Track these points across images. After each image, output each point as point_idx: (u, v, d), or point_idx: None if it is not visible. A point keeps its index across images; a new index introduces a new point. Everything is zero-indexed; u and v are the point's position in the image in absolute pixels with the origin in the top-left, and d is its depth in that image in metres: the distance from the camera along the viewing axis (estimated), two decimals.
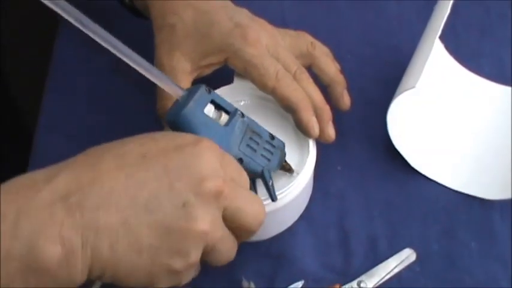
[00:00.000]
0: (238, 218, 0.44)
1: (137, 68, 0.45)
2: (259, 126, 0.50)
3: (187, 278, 0.44)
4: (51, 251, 0.38)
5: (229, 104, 0.49)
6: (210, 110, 0.47)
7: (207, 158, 0.42)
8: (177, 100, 0.47)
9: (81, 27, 0.43)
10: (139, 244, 0.40)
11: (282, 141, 0.51)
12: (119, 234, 0.39)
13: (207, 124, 0.46)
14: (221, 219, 0.43)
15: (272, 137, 0.51)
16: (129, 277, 0.41)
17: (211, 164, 0.42)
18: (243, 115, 0.49)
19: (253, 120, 0.50)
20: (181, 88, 0.47)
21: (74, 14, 0.42)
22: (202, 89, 0.47)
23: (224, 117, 0.48)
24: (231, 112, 0.48)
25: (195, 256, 0.42)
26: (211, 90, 0.48)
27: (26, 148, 0.64)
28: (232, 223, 0.44)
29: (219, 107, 0.48)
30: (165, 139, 0.43)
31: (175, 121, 0.46)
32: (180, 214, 0.40)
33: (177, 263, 0.41)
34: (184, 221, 0.40)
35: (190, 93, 0.47)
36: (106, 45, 0.44)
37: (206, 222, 0.41)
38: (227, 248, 0.45)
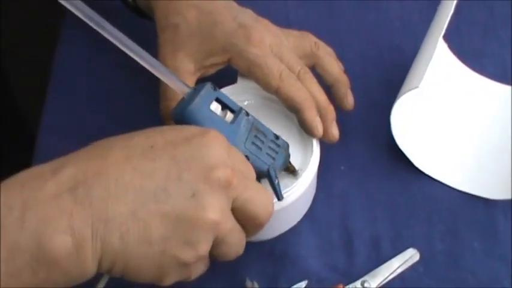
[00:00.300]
0: (247, 209, 0.44)
1: (144, 64, 0.45)
2: (264, 126, 0.50)
3: (196, 272, 0.44)
4: (61, 242, 0.37)
5: (234, 103, 0.49)
6: (215, 107, 0.47)
7: (215, 148, 0.42)
8: (183, 98, 0.47)
9: (91, 24, 0.43)
10: (150, 235, 0.40)
11: (286, 142, 0.52)
12: (129, 224, 0.39)
13: (213, 120, 0.46)
14: (230, 210, 0.43)
15: (276, 137, 0.51)
16: (139, 270, 0.41)
17: (220, 154, 0.42)
18: (247, 114, 0.49)
19: (257, 119, 0.50)
20: (187, 85, 0.47)
21: (84, 11, 0.42)
22: (208, 86, 0.47)
23: (229, 115, 0.48)
24: (236, 110, 0.48)
25: (205, 248, 0.42)
26: (217, 88, 0.48)
27: (26, 148, 0.64)
28: (241, 215, 0.44)
29: (223, 106, 0.48)
30: (172, 132, 0.43)
31: (182, 117, 0.46)
32: (189, 204, 0.40)
33: (187, 255, 0.41)
34: (195, 211, 0.40)
35: (196, 90, 0.47)
36: (114, 41, 0.44)
37: (216, 212, 0.41)
38: (236, 241, 0.44)
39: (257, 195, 0.44)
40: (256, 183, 0.46)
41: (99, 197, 0.39)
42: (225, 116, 0.48)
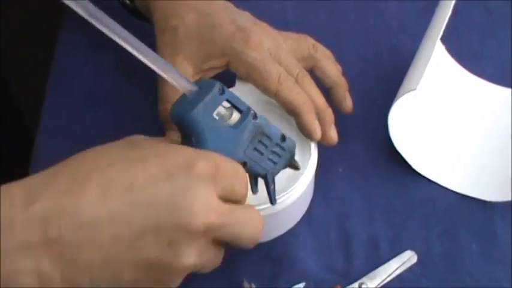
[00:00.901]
0: (231, 242, 0.42)
1: (145, 60, 0.41)
2: (272, 128, 0.47)
3: None
4: (26, 284, 0.37)
5: (243, 103, 0.45)
6: (221, 109, 0.44)
7: (200, 188, 0.39)
8: (184, 95, 0.43)
9: (89, 19, 0.39)
10: (121, 279, 0.39)
11: (293, 141, 0.49)
12: (100, 271, 0.38)
13: (215, 128, 0.43)
14: (209, 246, 0.41)
15: (283, 139, 0.48)
16: None
17: (203, 197, 0.39)
18: (255, 116, 0.45)
19: (266, 120, 0.47)
20: (192, 83, 0.43)
21: (84, 6, 0.39)
22: (215, 89, 0.43)
23: (235, 116, 0.45)
24: (244, 112, 0.45)
25: (178, 283, 0.41)
26: (225, 90, 0.44)
27: (26, 148, 0.64)
28: (226, 242, 0.42)
29: (231, 105, 0.45)
30: (155, 162, 0.40)
31: (181, 121, 0.43)
32: (165, 252, 0.39)
33: None
34: (169, 259, 0.39)
35: (202, 89, 0.43)
36: (113, 35, 0.40)
37: (192, 258, 0.40)
38: (213, 264, 0.43)
39: (242, 228, 0.42)
40: (243, 210, 0.43)
41: (71, 241, 0.37)
42: (231, 115, 0.45)
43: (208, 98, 0.43)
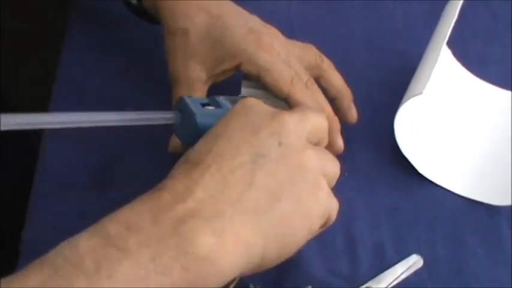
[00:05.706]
0: None
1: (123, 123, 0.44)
2: None
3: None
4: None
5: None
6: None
7: None
8: (175, 124, 0.46)
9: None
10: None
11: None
12: None
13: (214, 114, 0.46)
14: None
15: None
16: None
17: None
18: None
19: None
20: (169, 112, 0.46)
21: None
22: (184, 98, 0.47)
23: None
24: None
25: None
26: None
27: (29, 152, 0.64)
28: None
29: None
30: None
31: (197, 134, 0.44)
32: None
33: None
34: None
35: (182, 107, 0.46)
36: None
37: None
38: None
39: None
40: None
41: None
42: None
43: (189, 101, 0.46)
